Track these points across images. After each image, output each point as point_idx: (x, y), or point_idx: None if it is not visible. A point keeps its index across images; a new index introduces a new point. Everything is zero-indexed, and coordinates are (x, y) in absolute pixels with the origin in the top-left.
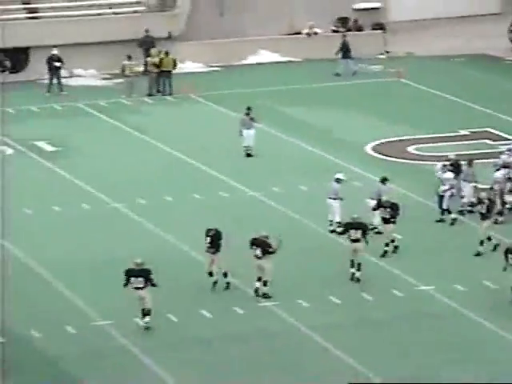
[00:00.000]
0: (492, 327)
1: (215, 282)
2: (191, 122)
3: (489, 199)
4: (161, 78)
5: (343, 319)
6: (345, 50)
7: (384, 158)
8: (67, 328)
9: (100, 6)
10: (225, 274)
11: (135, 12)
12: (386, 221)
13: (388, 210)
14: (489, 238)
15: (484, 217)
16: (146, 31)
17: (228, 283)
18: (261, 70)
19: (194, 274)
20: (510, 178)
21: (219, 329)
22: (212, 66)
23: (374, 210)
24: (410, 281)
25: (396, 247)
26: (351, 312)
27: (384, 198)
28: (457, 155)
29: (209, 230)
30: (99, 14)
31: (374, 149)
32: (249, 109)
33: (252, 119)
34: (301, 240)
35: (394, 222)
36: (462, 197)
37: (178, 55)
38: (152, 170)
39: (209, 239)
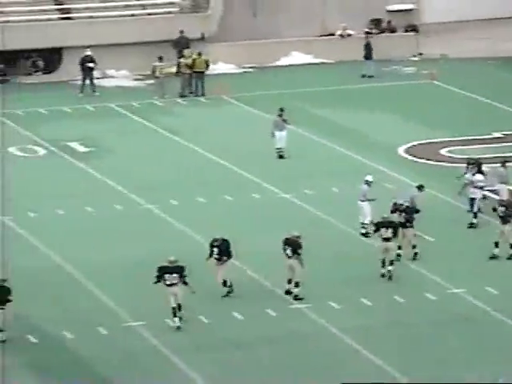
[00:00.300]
0: None
1: (229, 292)
2: (223, 124)
3: (500, 203)
4: (193, 78)
5: (374, 321)
6: (367, 51)
7: (417, 160)
8: (99, 329)
9: (134, 7)
10: (224, 283)
11: (169, 13)
12: (403, 225)
13: (403, 214)
14: (496, 244)
15: (505, 220)
16: (181, 32)
17: (229, 292)
18: (293, 72)
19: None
20: None
21: (251, 330)
22: (244, 67)
23: (392, 212)
24: (441, 283)
25: (399, 255)
26: (382, 314)
27: (400, 201)
28: (486, 158)
29: (214, 240)
30: (133, 15)
31: (407, 151)
32: (281, 110)
33: (284, 121)
34: (332, 242)
35: (411, 226)
36: (473, 199)
37: (210, 56)
38: (184, 171)
39: (216, 250)
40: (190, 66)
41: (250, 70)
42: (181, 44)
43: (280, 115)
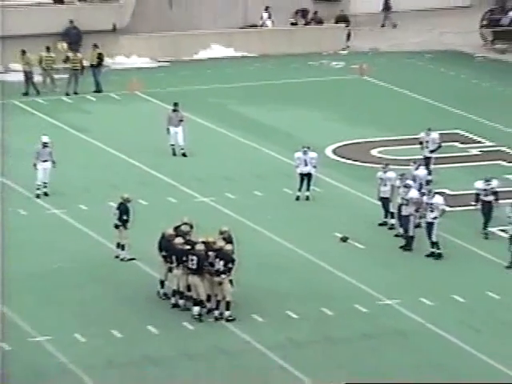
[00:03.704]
0: None
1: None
2: (135, 122)
3: None
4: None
5: (301, 336)
6: None
7: (345, 161)
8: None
9: None
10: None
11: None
12: None
13: None
14: None
15: None
16: (71, 22)
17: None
18: (213, 66)
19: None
20: None
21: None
22: (160, 61)
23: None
24: (372, 294)
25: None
26: (309, 328)
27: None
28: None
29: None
30: (39, 4)
31: (335, 151)
32: (176, 105)
33: (179, 116)
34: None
35: None
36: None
37: (123, 49)
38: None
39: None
40: (65, 61)
41: (166, 64)
42: (70, 36)
43: (175, 110)
